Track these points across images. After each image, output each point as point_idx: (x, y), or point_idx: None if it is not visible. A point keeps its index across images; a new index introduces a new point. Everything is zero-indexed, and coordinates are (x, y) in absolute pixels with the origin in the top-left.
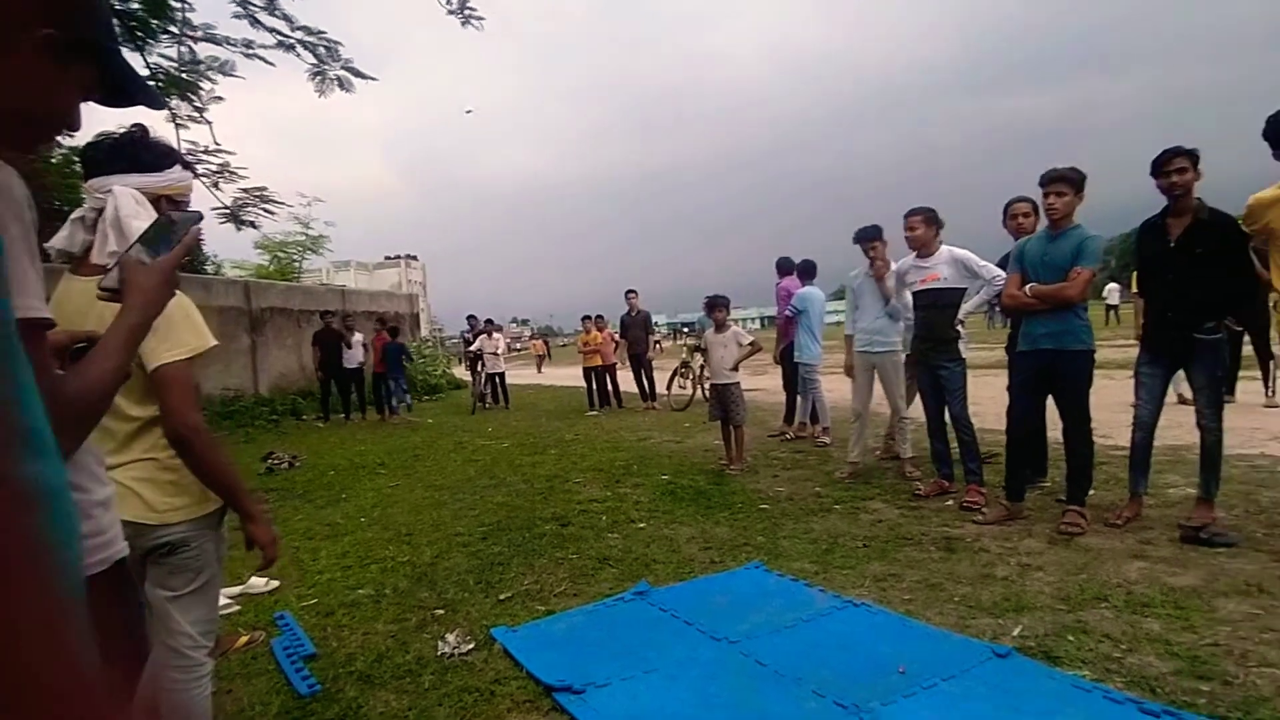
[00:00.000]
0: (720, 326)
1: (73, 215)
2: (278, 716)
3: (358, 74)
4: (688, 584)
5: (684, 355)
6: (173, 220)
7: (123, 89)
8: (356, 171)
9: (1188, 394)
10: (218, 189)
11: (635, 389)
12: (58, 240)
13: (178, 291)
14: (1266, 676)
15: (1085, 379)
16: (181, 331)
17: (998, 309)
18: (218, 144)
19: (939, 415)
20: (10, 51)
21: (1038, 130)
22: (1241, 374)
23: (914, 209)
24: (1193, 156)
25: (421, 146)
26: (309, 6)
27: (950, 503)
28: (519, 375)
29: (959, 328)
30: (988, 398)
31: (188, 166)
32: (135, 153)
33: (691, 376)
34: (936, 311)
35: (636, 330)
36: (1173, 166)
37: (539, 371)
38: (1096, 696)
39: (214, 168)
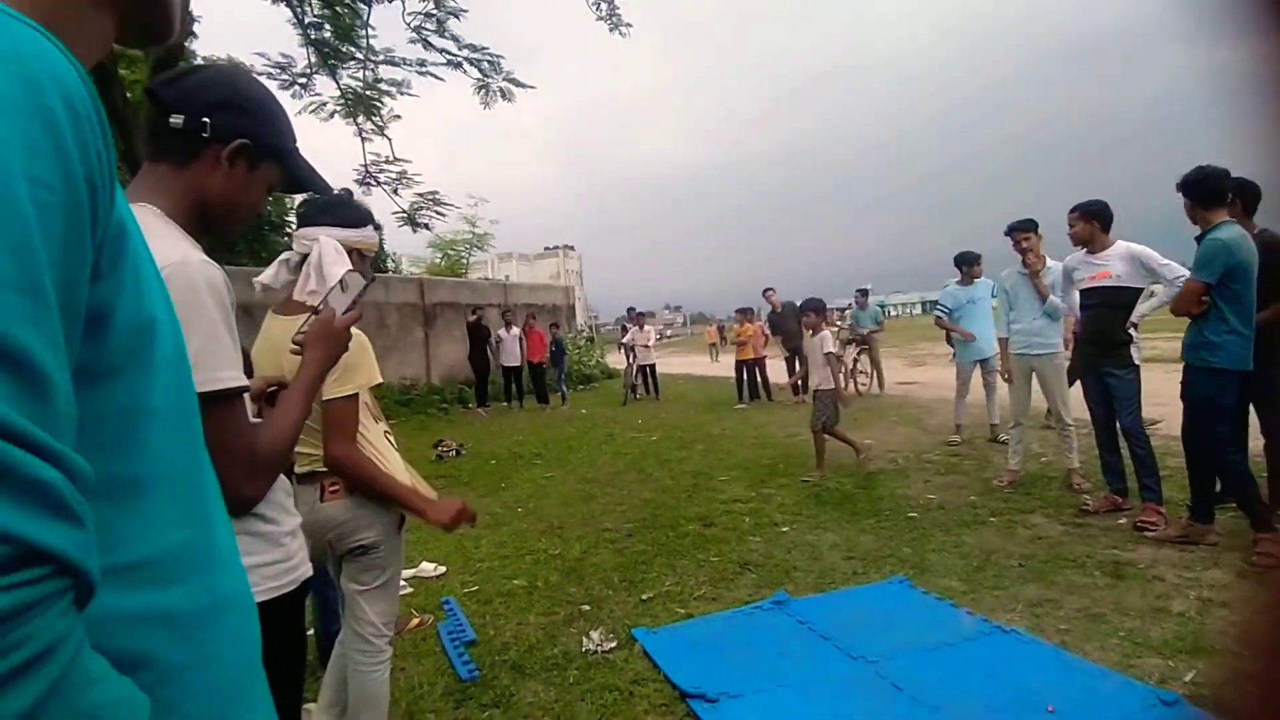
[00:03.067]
0: (814, 330)
1: (280, 257)
2: (442, 697)
3: (518, 84)
4: (827, 595)
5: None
6: (356, 280)
7: (300, 180)
8: (516, 166)
9: None
10: (397, 194)
11: (784, 381)
12: (265, 276)
13: (357, 331)
14: None
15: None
16: (353, 372)
17: None
18: (396, 156)
19: (1109, 425)
20: (217, 164)
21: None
22: None
23: (1075, 205)
24: None
25: (573, 137)
26: (469, 20)
27: (1123, 521)
28: (682, 364)
29: (1131, 331)
30: (1173, 397)
31: (378, 227)
32: (342, 211)
33: (844, 370)
34: (1106, 311)
35: (790, 323)
36: None
37: (715, 360)
38: None
39: (394, 176)
